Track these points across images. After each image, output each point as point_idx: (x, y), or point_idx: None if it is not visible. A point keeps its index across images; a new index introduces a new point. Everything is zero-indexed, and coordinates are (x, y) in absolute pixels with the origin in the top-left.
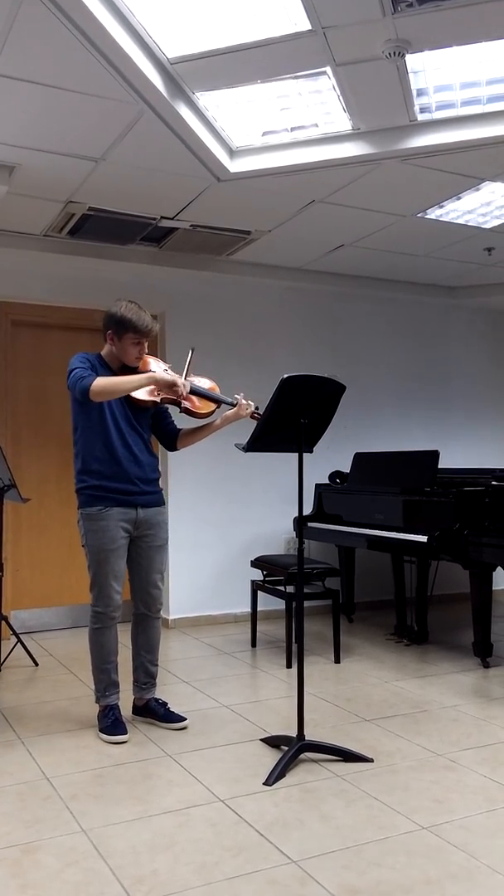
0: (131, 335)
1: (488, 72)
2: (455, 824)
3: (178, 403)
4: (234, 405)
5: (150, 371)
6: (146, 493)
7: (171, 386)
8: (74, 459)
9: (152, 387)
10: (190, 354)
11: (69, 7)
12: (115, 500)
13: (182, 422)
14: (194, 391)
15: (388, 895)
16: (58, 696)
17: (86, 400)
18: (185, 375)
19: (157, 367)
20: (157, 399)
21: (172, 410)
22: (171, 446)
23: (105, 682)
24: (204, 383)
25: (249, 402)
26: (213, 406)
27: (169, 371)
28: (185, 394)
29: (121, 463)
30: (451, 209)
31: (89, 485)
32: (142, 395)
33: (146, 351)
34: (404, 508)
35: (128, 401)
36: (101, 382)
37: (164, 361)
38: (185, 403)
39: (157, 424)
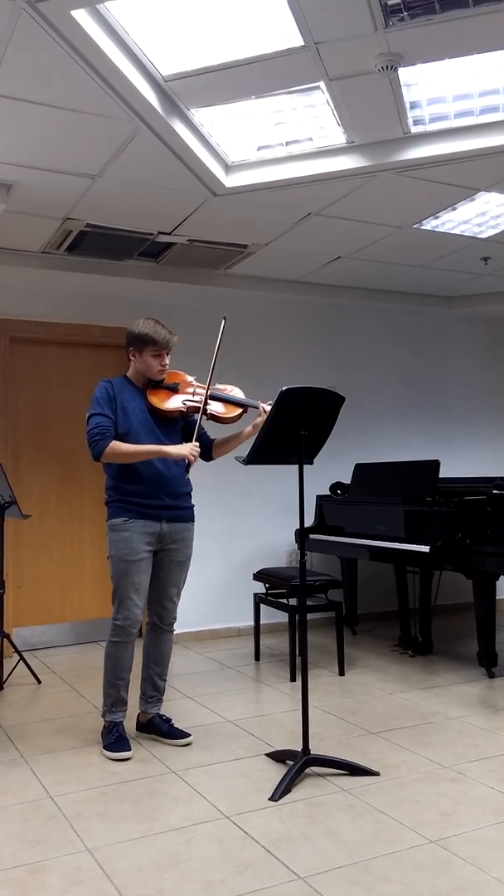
0: (150, 349)
1: (481, 84)
2: (463, 837)
3: (203, 411)
4: (257, 408)
5: (177, 389)
6: (172, 507)
7: (181, 458)
8: (106, 476)
9: (181, 396)
10: (222, 326)
11: (64, 27)
12: (139, 513)
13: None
14: (218, 397)
15: None
16: (61, 714)
17: (95, 460)
18: (210, 380)
19: (183, 380)
20: (185, 409)
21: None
22: (207, 456)
23: (114, 697)
24: (227, 388)
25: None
26: (238, 410)
27: (192, 384)
28: (194, 462)
29: (143, 478)
30: (446, 220)
31: (116, 498)
32: (169, 405)
33: (167, 363)
34: (406, 519)
35: (155, 413)
36: (114, 451)
37: (189, 374)
38: (212, 410)
39: (189, 436)
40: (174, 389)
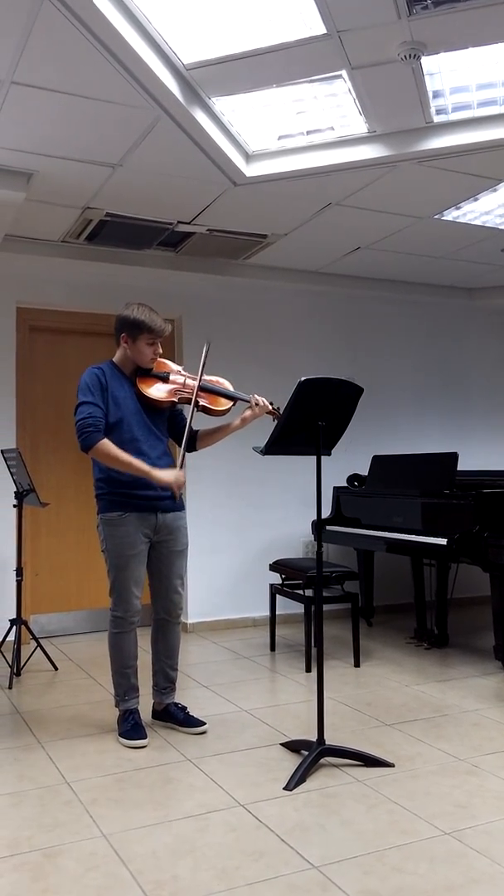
0: (146, 336)
1: None
2: (477, 829)
3: (195, 402)
4: (248, 401)
5: (167, 378)
6: (164, 498)
7: (166, 485)
8: (93, 466)
9: (171, 385)
10: (206, 349)
11: (86, 15)
12: (135, 506)
13: (199, 423)
14: (209, 389)
15: None
16: (77, 700)
17: (83, 451)
18: (202, 371)
19: (172, 369)
20: (175, 399)
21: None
22: (191, 447)
23: (125, 686)
24: (217, 380)
25: (265, 400)
26: (229, 403)
27: (181, 373)
28: (182, 490)
29: None
30: (467, 210)
31: (108, 491)
32: (160, 394)
33: (160, 352)
34: (423, 511)
35: (144, 402)
36: (105, 450)
37: (178, 363)
38: (202, 401)
39: (175, 426)
40: (164, 378)
